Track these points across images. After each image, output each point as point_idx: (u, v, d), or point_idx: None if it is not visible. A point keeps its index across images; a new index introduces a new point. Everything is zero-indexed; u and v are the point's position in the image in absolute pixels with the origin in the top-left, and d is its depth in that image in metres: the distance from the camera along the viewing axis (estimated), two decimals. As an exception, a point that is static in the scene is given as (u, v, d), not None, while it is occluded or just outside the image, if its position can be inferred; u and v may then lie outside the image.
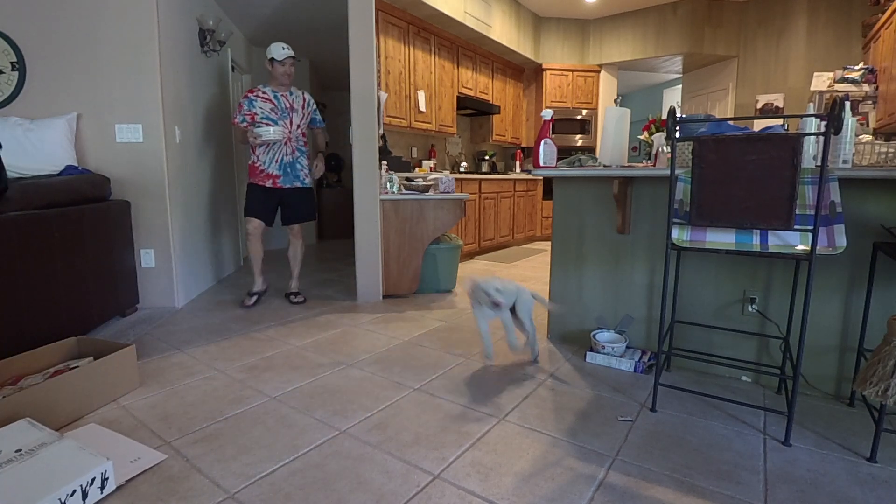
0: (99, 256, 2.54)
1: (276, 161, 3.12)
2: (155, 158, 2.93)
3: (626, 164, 2.42)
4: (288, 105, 3.10)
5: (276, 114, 3.07)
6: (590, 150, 6.48)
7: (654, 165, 2.28)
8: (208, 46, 3.68)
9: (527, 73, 6.67)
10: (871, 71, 4.00)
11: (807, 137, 1.75)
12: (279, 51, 2.99)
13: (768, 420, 1.72)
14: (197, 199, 3.48)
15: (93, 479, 1.23)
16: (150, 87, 2.87)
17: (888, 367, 1.35)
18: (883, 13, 3.90)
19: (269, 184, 3.11)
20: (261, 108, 3.04)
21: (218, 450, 1.51)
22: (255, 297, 3.21)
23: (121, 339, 2.48)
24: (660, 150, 2.27)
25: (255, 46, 5.23)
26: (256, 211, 3.13)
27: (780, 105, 5.38)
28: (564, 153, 5.28)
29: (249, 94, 3.04)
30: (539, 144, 2.30)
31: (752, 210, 1.52)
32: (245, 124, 3.05)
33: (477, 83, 5.68)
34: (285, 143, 3.09)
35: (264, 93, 3.06)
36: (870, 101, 3.99)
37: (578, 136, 6.49)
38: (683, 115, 2.08)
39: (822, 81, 4.14)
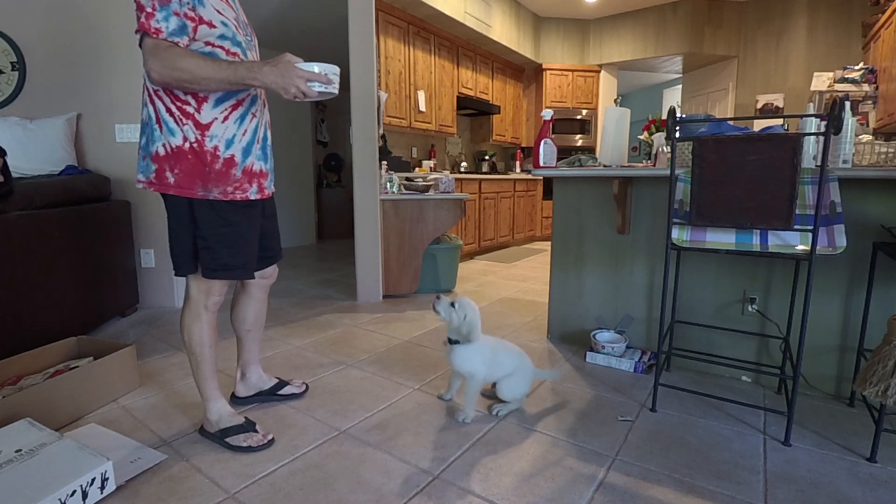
0: (99, 256, 2.54)
1: (258, 141, 1.48)
2: (155, 158, 2.92)
3: (626, 164, 2.42)
4: (245, 19, 1.51)
5: (241, 31, 1.44)
6: (590, 150, 6.48)
7: (654, 165, 2.28)
8: (208, 46, 3.68)
9: (527, 73, 6.67)
10: (871, 71, 4.00)
11: (807, 137, 1.75)
12: None
13: (768, 420, 1.72)
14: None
15: (93, 480, 1.23)
16: (150, 87, 2.87)
17: (888, 367, 1.35)
18: (883, 13, 3.90)
19: (253, 192, 1.47)
20: (218, 12, 1.34)
21: (218, 450, 1.51)
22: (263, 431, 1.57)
23: (121, 339, 2.48)
24: (660, 150, 2.27)
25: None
26: (245, 259, 1.49)
27: (780, 105, 5.38)
28: (564, 153, 5.28)
29: None
30: (539, 144, 2.30)
31: (752, 210, 1.52)
32: (185, 41, 1.28)
33: (477, 83, 5.68)
34: (264, 104, 1.54)
35: None
36: (870, 101, 3.99)
37: (578, 136, 6.49)
38: (683, 115, 2.08)
39: (822, 81, 4.14)
